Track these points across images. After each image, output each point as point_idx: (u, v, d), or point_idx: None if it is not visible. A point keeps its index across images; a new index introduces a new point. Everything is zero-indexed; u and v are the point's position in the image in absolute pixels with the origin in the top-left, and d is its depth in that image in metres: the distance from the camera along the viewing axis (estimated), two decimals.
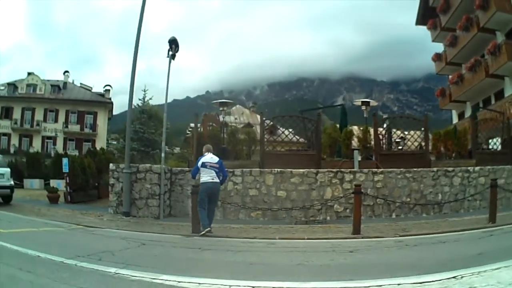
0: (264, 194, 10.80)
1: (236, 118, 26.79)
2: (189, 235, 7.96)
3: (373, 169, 11.10)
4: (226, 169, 8.96)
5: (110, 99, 48.32)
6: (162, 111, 25.79)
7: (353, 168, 11.50)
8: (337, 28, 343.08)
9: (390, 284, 3.60)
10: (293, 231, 8.66)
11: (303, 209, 10.41)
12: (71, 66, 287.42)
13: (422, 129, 12.86)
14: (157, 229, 9.05)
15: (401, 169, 10.87)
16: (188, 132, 41.49)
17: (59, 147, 43.82)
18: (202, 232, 7.65)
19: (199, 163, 8.13)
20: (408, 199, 10.63)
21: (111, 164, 12.26)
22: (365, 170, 10.98)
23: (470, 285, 3.52)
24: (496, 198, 8.10)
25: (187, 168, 12.26)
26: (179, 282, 3.89)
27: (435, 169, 11.07)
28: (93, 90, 49.64)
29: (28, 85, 46.76)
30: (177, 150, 33.41)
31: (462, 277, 3.80)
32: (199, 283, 3.82)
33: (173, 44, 11.79)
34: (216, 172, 8.06)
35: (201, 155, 8.62)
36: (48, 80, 48.04)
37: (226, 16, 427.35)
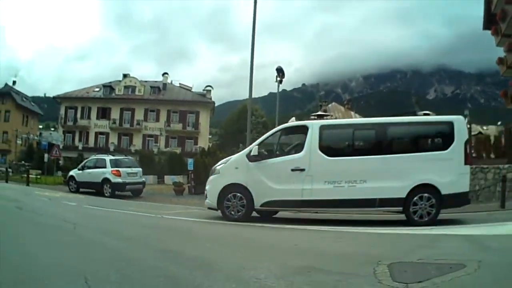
0: None
1: (332, 116, 30.43)
2: None
3: None
4: None
5: (211, 98, 49.71)
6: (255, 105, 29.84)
7: None
8: (425, 21, 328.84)
9: (390, 228, 7.54)
10: None
11: None
12: (159, 61, 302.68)
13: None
14: None
15: None
16: None
17: (161, 145, 44.82)
18: None
19: None
20: None
21: None
22: None
23: (431, 229, 7.17)
24: (505, 189, 10.98)
25: None
26: (302, 226, 8.21)
27: (473, 166, 13.82)
28: (193, 90, 51.03)
29: (126, 87, 48.48)
30: None
31: (435, 228, 7.45)
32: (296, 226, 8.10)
33: (280, 72, 15.44)
34: None
35: None
36: (146, 81, 49.89)
37: (320, 9, 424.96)
